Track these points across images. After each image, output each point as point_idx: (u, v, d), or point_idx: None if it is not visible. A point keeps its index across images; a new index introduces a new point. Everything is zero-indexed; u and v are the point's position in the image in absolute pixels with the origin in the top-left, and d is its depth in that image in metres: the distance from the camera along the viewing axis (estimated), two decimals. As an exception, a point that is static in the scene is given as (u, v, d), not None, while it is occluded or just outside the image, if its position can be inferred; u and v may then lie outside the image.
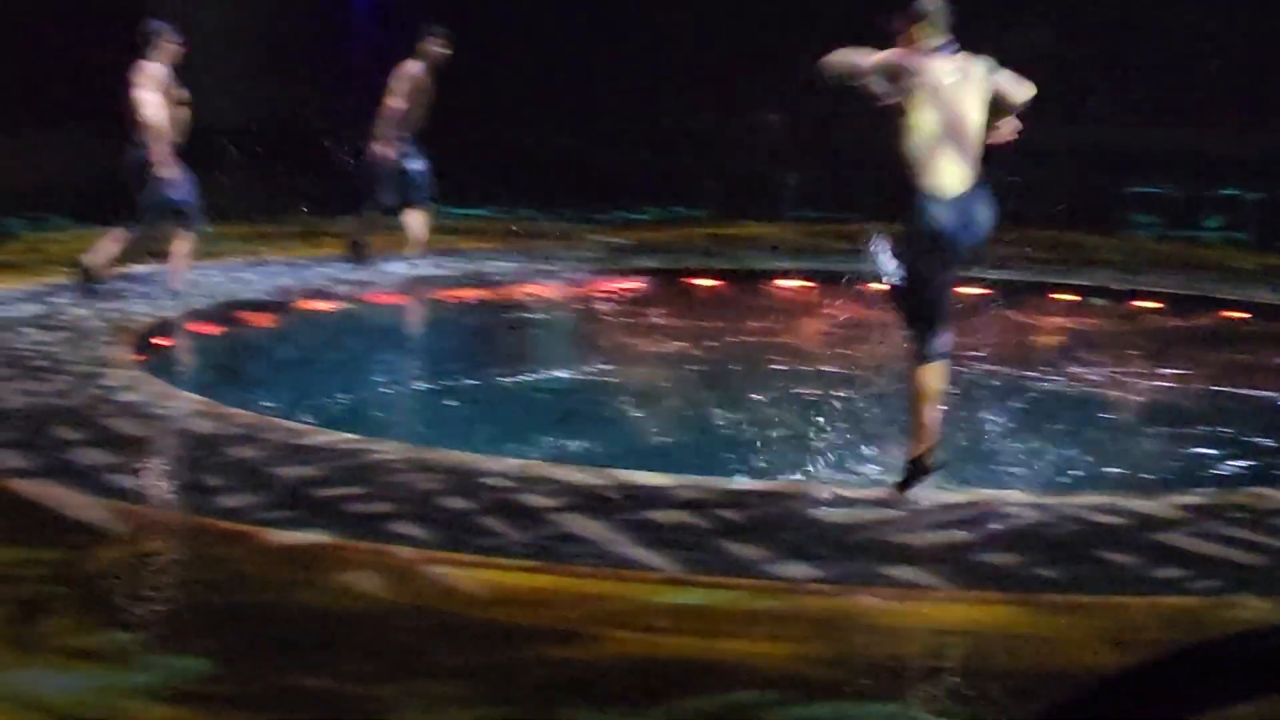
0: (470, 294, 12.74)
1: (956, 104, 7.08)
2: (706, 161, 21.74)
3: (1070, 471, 8.15)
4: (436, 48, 13.19)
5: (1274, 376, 10.67)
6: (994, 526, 6.57)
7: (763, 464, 8.06)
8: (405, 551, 6.10)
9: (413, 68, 13.16)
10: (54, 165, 18.93)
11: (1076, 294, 13.31)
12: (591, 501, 6.78)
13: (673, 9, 25.73)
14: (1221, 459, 8.57)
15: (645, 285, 13.34)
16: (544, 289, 13.02)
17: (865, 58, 7.09)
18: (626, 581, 5.86)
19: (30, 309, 10.96)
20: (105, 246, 11.86)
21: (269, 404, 8.86)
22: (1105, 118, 24.28)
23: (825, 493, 7.09)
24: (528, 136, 23.33)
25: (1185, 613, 5.67)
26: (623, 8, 26.01)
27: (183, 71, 11.77)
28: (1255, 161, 22.11)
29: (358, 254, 13.21)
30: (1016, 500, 7.01)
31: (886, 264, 7.12)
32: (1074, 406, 9.63)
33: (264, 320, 11.33)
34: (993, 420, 9.06)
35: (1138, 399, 9.91)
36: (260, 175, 16.10)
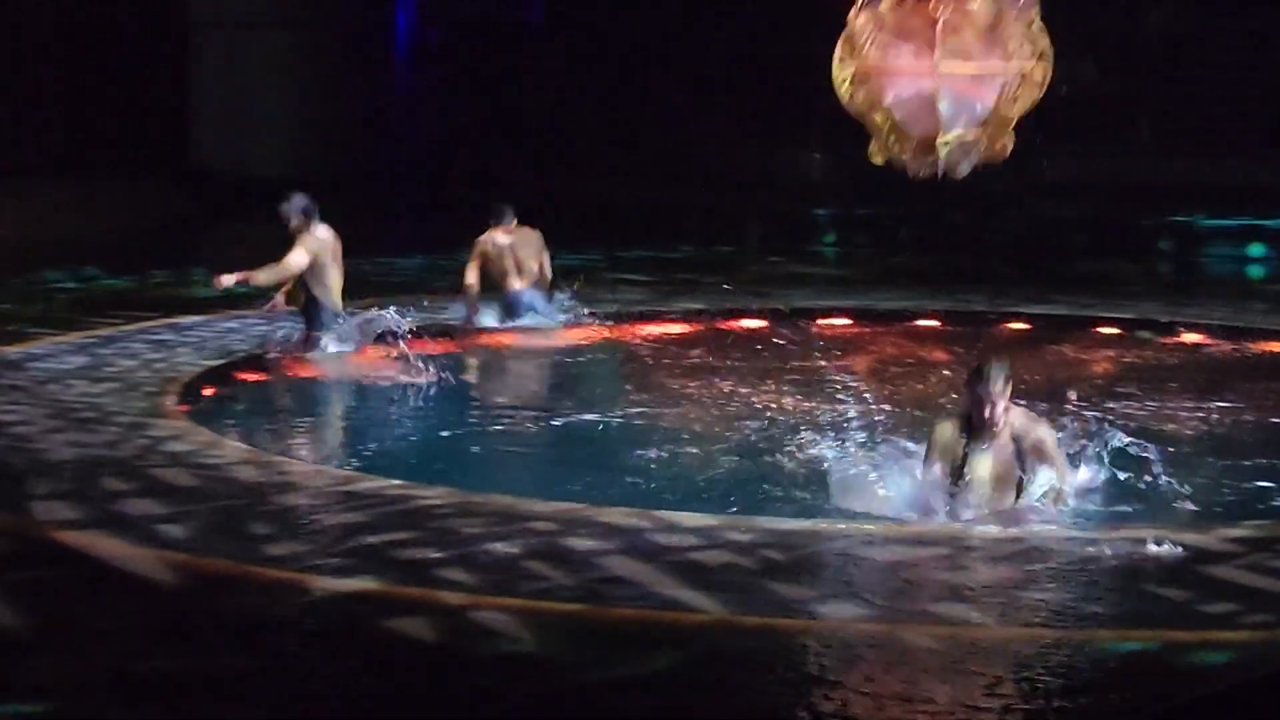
0: (510, 337, 12.75)
1: None
2: (748, 200, 21.73)
3: (1120, 505, 8.10)
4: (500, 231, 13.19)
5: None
6: (1044, 562, 6.53)
7: (809, 503, 8.04)
8: (452, 596, 6.11)
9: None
10: (85, 216, 19.06)
11: (1121, 327, 13.25)
12: (637, 543, 6.77)
13: (713, 49, 25.79)
14: (1273, 491, 8.50)
15: (686, 325, 13.33)
16: (583, 330, 13.01)
17: None
18: (674, 625, 5.85)
19: (77, 360, 11.01)
20: None
21: (315, 451, 8.90)
22: (1148, 150, 24.22)
23: (872, 531, 7.07)
24: (563, 177, 23.45)
25: (1237, 646, 5.63)
26: (662, 50, 26.09)
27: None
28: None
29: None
30: (1066, 535, 6.97)
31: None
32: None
33: (307, 368, 11.33)
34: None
35: (1186, 431, 9.85)
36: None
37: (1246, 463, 9.02)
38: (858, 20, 10.65)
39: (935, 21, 10.12)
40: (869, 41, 10.42)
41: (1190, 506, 7.93)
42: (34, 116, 21.45)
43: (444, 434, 9.57)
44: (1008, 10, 10.45)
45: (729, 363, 11.73)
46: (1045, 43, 10.23)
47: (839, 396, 10.50)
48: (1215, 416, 10.21)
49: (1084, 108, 24.55)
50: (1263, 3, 25.52)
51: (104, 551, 6.68)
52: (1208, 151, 24.10)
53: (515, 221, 13.07)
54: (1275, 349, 12.52)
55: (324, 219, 11.59)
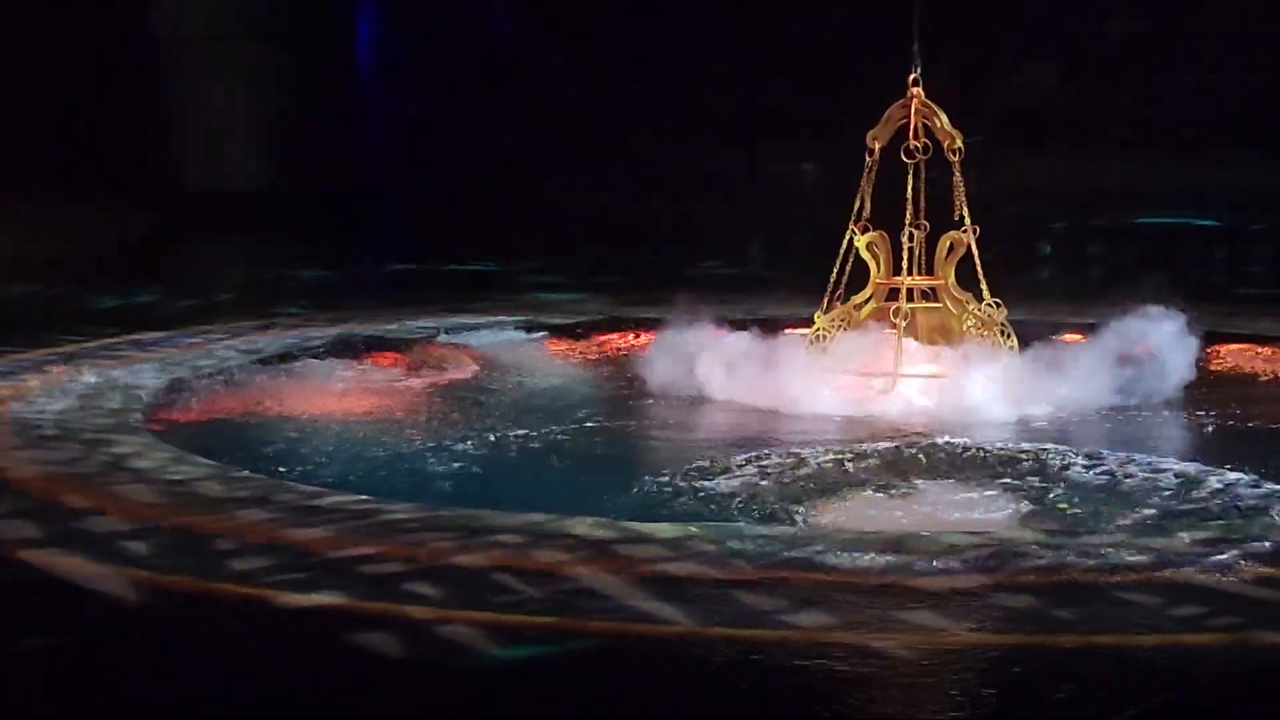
0: (479, 350, 12.72)
1: None
2: (740, 210, 21.76)
3: (1084, 510, 8.13)
4: None
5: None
6: (1010, 567, 6.52)
7: (777, 512, 8.04)
8: (419, 611, 6.08)
9: None
10: (53, 233, 19.01)
11: (1082, 331, 13.25)
12: (604, 555, 6.74)
13: (710, 61, 25.88)
14: (1236, 493, 8.52)
15: (647, 334, 13.30)
16: (556, 340, 12.98)
17: None
18: (644, 636, 5.83)
19: (40, 377, 10.96)
20: None
21: (279, 466, 8.86)
22: (1112, 154, 24.33)
23: (841, 539, 7.05)
24: (560, 191, 23.51)
25: (1203, 650, 5.63)
26: (633, 60, 26.12)
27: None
28: (1263, 194, 22.24)
29: None
30: (1031, 540, 6.97)
31: None
32: (1091, 441, 9.62)
33: (267, 382, 11.27)
34: (1009, 459, 9.07)
35: (1149, 435, 9.88)
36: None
37: (1211, 465, 9.06)
38: (825, 318, 11.01)
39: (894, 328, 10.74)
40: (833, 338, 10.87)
41: (1155, 510, 7.97)
42: (2, 135, 21.41)
43: (410, 448, 9.54)
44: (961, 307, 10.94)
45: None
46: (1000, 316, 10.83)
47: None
48: (1181, 420, 10.25)
49: (1044, 112, 24.76)
50: (1226, 6, 25.64)
51: (66, 570, 6.63)
52: (1171, 155, 24.21)
53: None
54: (1234, 350, 12.55)
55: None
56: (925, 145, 11.09)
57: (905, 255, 11.10)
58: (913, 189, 11.03)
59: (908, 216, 11.05)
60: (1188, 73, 25.66)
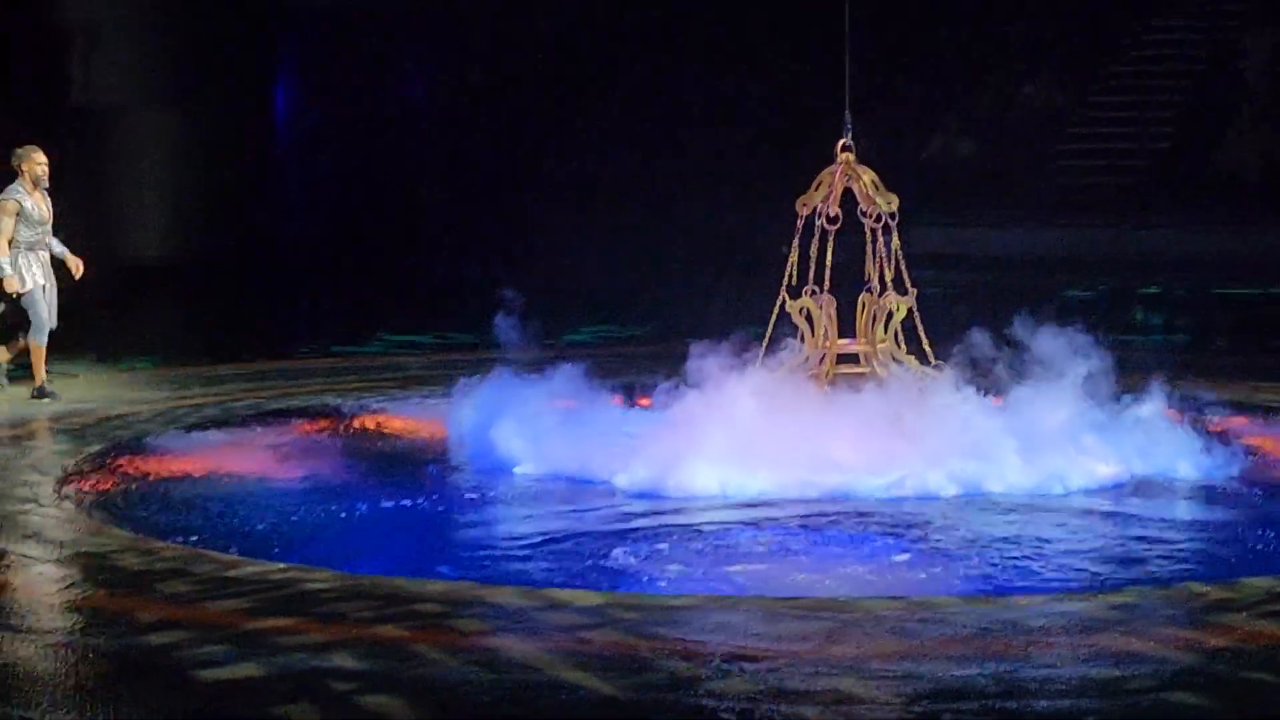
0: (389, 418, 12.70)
1: None
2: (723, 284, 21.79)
3: (1005, 571, 8.19)
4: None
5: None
6: (932, 632, 6.56)
7: (694, 578, 8.06)
8: (339, 684, 6.04)
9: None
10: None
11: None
12: (523, 623, 6.73)
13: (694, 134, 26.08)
14: (1153, 555, 8.61)
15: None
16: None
17: None
18: (563, 704, 5.82)
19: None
20: None
21: (198, 536, 8.81)
22: (1027, 221, 24.64)
23: (760, 605, 7.07)
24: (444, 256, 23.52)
25: (1121, 712, 5.68)
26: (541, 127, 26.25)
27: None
28: (1184, 258, 22.59)
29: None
30: (951, 605, 7.02)
31: None
32: (1011, 509, 9.71)
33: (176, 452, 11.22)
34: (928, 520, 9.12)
35: (1071, 501, 9.97)
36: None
37: (1130, 528, 9.16)
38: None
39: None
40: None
41: (1077, 574, 8.05)
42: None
43: (326, 516, 9.52)
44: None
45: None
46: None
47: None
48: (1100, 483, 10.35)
49: (960, 181, 25.05)
50: (1135, 76, 26.07)
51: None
52: (1082, 222, 24.55)
53: None
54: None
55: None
56: (865, 211, 11.12)
57: (829, 320, 11.08)
58: (830, 254, 11.06)
59: (825, 281, 11.08)
60: (1100, 139, 26.08)
